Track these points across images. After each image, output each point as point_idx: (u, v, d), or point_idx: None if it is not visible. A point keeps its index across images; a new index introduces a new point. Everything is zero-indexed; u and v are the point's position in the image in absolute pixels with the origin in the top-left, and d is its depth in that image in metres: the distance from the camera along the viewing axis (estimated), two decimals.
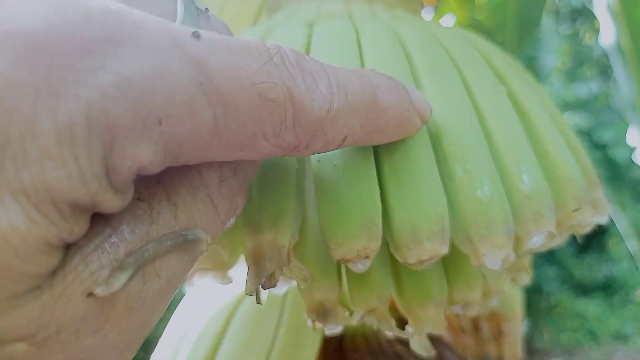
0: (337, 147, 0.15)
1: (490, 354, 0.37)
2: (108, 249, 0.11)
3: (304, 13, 0.23)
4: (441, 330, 0.19)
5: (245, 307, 0.29)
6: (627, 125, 0.53)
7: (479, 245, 0.16)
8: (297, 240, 0.18)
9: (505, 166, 0.18)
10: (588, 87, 2.33)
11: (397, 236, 0.16)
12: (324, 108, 0.13)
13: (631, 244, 0.64)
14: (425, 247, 0.16)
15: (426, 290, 0.19)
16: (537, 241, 0.17)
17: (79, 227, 0.11)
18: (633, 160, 0.53)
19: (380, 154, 0.18)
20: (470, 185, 0.17)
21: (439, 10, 0.50)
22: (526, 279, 0.22)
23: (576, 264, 2.36)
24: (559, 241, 0.20)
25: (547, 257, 2.23)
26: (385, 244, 0.18)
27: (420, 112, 0.17)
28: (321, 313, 0.19)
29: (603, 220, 0.19)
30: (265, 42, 0.13)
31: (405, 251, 0.16)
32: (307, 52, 0.20)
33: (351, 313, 0.19)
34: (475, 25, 0.50)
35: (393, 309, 0.20)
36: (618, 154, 2.07)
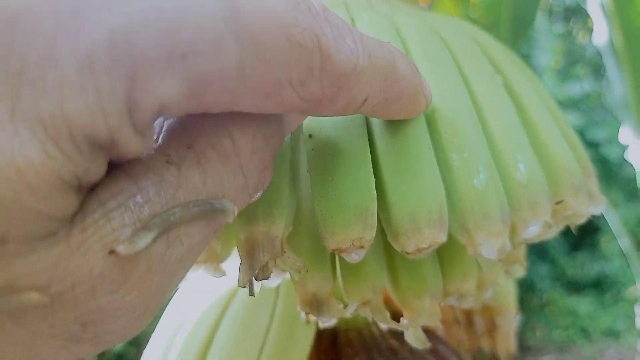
0: (355, 111, 0.14)
1: (483, 348, 0.37)
2: (132, 207, 0.11)
3: None
4: (436, 322, 0.19)
5: (238, 300, 0.28)
6: (619, 124, 0.53)
7: (475, 234, 0.16)
8: (290, 231, 0.17)
9: (502, 155, 0.18)
10: (581, 86, 2.34)
11: (395, 224, 0.16)
12: (351, 62, 0.13)
13: (623, 242, 0.65)
14: (424, 235, 0.16)
15: (421, 281, 0.19)
16: (534, 231, 0.17)
17: (96, 166, 0.11)
18: (625, 158, 0.53)
19: (376, 141, 0.17)
20: (466, 173, 0.17)
21: (433, 8, 0.50)
22: (520, 271, 0.22)
23: (568, 261, 2.38)
24: (555, 231, 0.20)
25: (539, 255, 2.24)
26: (380, 234, 0.18)
27: (425, 92, 0.17)
28: (315, 305, 0.19)
29: (598, 210, 0.19)
30: None
31: (404, 239, 0.16)
32: None
33: (345, 305, 0.19)
34: None
35: (387, 303, 0.20)
36: (610, 153, 2.09)
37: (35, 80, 0.09)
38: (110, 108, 0.10)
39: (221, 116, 0.13)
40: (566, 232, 0.20)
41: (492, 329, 0.37)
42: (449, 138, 0.17)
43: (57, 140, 0.10)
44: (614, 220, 0.67)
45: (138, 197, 0.11)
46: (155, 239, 0.11)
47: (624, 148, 0.53)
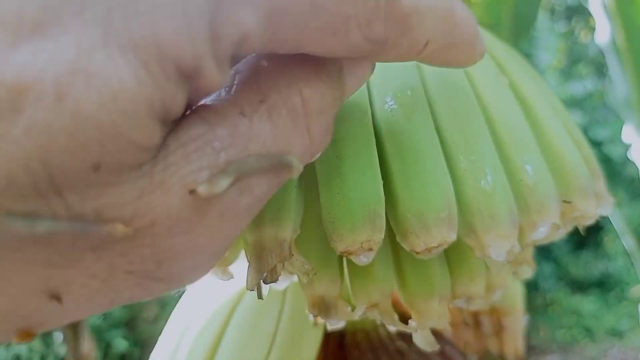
0: (417, 55, 0.15)
1: (491, 349, 0.37)
2: (210, 152, 0.11)
3: None
4: (445, 324, 0.19)
5: (246, 303, 0.28)
6: (622, 123, 0.53)
7: (483, 236, 0.16)
8: (298, 234, 0.17)
9: (509, 156, 0.18)
10: (583, 85, 2.34)
11: (403, 223, 0.16)
12: (413, 3, 0.13)
13: (626, 241, 0.64)
14: (433, 234, 0.16)
15: (429, 283, 0.19)
16: (542, 232, 0.17)
17: (181, 98, 0.11)
18: (628, 157, 0.53)
19: (383, 141, 0.17)
20: (474, 176, 0.17)
21: None
22: (529, 273, 0.22)
23: (572, 261, 2.38)
24: (563, 233, 0.20)
25: (543, 254, 2.24)
26: (388, 237, 0.18)
27: (481, 39, 0.17)
28: (323, 308, 0.19)
29: (606, 212, 0.19)
30: None
31: (413, 239, 0.16)
32: None
33: (353, 308, 0.19)
34: None
35: (395, 306, 0.20)
36: (613, 152, 2.08)
37: (126, 4, 0.10)
38: (197, 34, 0.10)
39: (293, 74, 0.13)
40: (569, 231, 0.20)
41: (499, 330, 0.36)
42: (456, 140, 0.17)
43: (148, 64, 0.10)
44: (617, 219, 0.66)
45: (216, 143, 0.12)
46: (231, 184, 0.12)
47: (627, 147, 0.53)
